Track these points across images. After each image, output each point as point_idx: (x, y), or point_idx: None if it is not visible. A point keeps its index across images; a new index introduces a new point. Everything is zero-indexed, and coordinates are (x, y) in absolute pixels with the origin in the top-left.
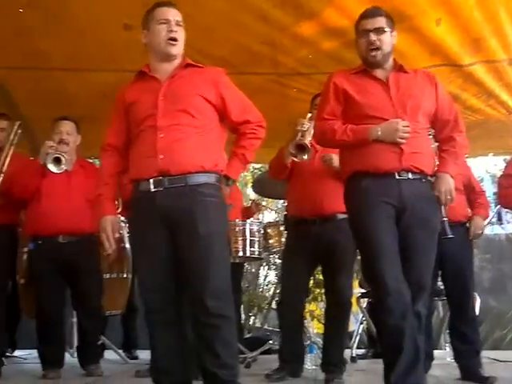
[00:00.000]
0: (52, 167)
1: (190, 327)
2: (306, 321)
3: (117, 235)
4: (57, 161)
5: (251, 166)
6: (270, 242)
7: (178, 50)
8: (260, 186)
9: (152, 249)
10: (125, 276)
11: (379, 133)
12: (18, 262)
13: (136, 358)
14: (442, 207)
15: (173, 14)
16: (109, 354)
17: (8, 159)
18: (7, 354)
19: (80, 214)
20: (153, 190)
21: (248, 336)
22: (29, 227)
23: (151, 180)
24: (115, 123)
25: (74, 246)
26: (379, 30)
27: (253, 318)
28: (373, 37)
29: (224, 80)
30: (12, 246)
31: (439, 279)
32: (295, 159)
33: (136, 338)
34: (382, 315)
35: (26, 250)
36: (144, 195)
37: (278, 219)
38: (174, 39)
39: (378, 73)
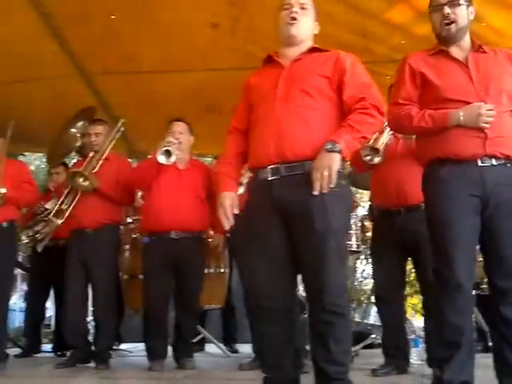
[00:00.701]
0: (161, 158)
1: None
2: (409, 314)
3: (235, 211)
4: (167, 153)
5: None
6: (368, 234)
7: (297, 30)
8: (352, 178)
9: (268, 244)
10: (222, 271)
11: (461, 118)
12: (121, 258)
13: (237, 351)
14: None
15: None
16: (210, 348)
17: (105, 153)
18: (113, 347)
19: (191, 212)
20: (270, 178)
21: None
22: (144, 223)
23: (269, 168)
24: (241, 107)
25: (184, 242)
26: (454, 3)
27: (352, 312)
28: (447, 10)
29: (350, 61)
30: (116, 244)
31: None
32: (370, 162)
33: (236, 331)
34: (444, 310)
35: (127, 247)
36: (261, 184)
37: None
38: (293, 18)
39: (456, 52)
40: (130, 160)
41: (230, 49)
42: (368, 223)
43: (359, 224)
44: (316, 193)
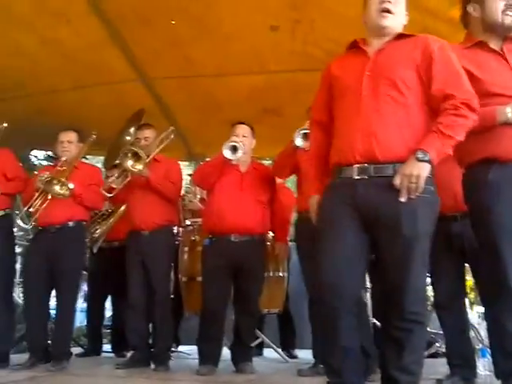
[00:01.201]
0: (227, 152)
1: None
2: (476, 322)
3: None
4: (233, 149)
5: None
6: None
7: (391, 22)
8: None
9: (341, 239)
10: (281, 275)
11: (509, 114)
12: (180, 260)
13: (295, 357)
14: None
15: None
16: (268, 353)
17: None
18: (172, 349)
19: (251, 214)
20: (356, 177)
21: None
22: (205, 225)
23: (355, 166)
24: (321, 97)
25: (244, 245)
26: None
27: None
28: None
29: (438, 48)
30: (173, 245)
31: None
32: None
33: (294, 336)
34: (501, 318)
35: (186, 249)
36: (345, 182)
37: None
38: (387, 10)
39: (495, 44)
40: (188, 163)
41: (289, 51)
42: None
43: None
44: (403, 199)
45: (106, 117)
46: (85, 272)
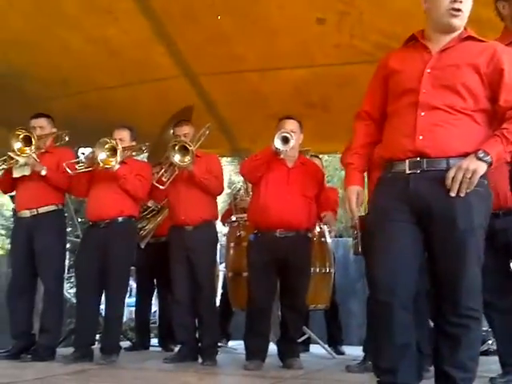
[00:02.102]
0: (277, 142)
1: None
2: None
3: (360, 208)
4: (284, 140)
5: None
6: None
7: (461, 21)
8: None
9: (394, 234)
10: (327, 271)
11: None
12: (226, 256)
13: (342, 353)
14: None
15: None
16: (314, 349)
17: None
18: (220, 344)
19: (297, 210)
20: (408, 171)
21: None
22: (250, 220)
23: (407, 161)
24: (374, 90)
25: (289, 240)
26: None
27: None
28: None
29: (507, 57)
30: (215, 240)
31: None
32: None
33: (341, 333)
34: None
35: (232, 245)
36: (397, 176)
37: None
38: (458, 10)
39: None
40: (232, 158)
41: (336, 44)
42: None
43: None
44: (453, 194)
45: (151, 113)
46: (133, 267)
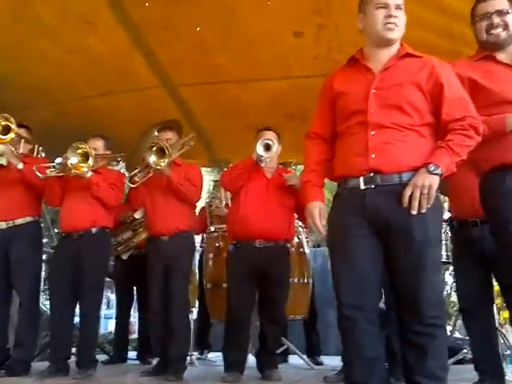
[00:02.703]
0: (260, 148)
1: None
2: (504, 329)
3: (323, 222)
4: (267, 147)
5: None
6: None
7: (397, 34)
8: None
9: (353, 249)
10: (306, 281)
11: None
12: (205, 266)
13: (321, 363)
14: None
15: None
16: (293, 359)
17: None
18: (196, 355)
19: (276, 220)
20: (363, 187)
21: None
22: (229, 230)
23: (361, 178)
24: (321, 112)
25: (269, 251)
26: (502, 12)
27: None
28: (496, 19)
29: (445, 72)
30: (192, 251)
31: None
32: None
33: (319, 343)
34: None
35: (211, 255)
36: (352, 192)
37: None
38: (393, 23)
39: (502, 57)
40: (211, 169)
41: (313, 56)
42: None
43: (448, 234)
44: (414, 212)
45: (131, 123)
46: (109, 279)
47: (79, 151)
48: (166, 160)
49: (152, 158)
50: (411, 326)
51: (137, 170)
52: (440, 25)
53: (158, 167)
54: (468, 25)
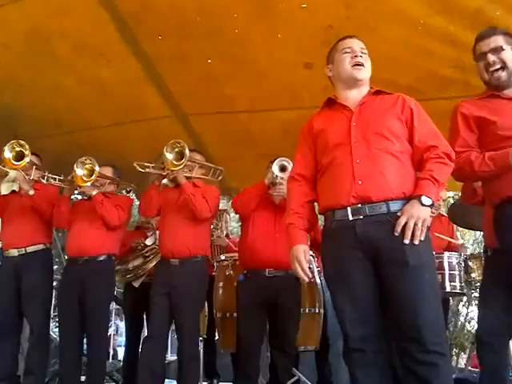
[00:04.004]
0: (275, 168)
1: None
2: None
3: (308, 264)
4: (282, 168)
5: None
6: (472, 275)
7: (364, 74)
8: (453, 214)
9: (351, 282)
10: (317, 311)
11: None
12: (215, 296)
13: None
14: None
15: (356, 43)
16: None
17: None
18: None
19: (285, 249)
20: (351, 218)
21: (454, 377)
22: (239, 258)
23: (349, 208)
24: (303, 153)
25: (279, 280)
26: (497, 49)
27: (455, 357)
28: (491, 57)
29: (414, 104)
30: (204, 277)
31: None
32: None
33: (331, 374)
34: None
35: (221, 284)
36: (341, 224)
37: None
38: (360, 64)
39: (508, 93)
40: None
41: (323, 87)
42: (472, 264)
43: (463, 265)
44: (407, 241)
45: (142, 153)
46: (118, 306)
47: (86, 166)
48: (182, 163)
49: (170, 156)
50: (414, 354)
51: (152, 165)
52: (451, 57)
53: (173, 167)
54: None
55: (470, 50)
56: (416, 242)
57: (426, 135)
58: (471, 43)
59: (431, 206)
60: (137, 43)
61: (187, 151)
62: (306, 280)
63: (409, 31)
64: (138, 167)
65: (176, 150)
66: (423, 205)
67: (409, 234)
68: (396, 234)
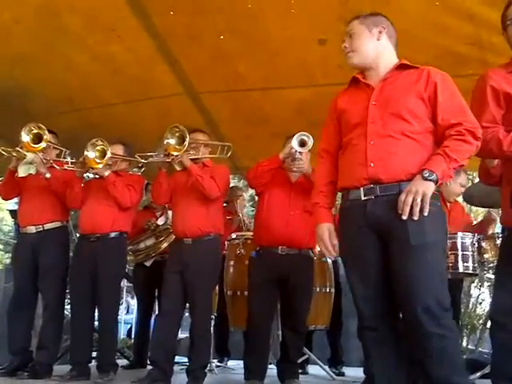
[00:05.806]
0: (295, 143)
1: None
2: None
3: (335, 242)
4: (302, 143)
5: None
6: (485, 256)
7: (355, 59)
8: (469, 194)
9: (363, 260)
10: (328, 290)
11: None
12: (226, 274)
13: (343, 374)
14: None
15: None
16: (314, 370)
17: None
18: (216, 363)
19: (299, 226)
20: (363, 198)
21: (464, 358)
22: (254, 235)
23: (361, 188)
24: (328, 129)
25: (292, 259)
26: None
27: (465, 338)
28: None
29: (440, 78)
30: (215, 255)
31: None
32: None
33: (342, 354)
34: None
35: (232, 263)
36: (354, 204)
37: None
38: (347, 52)
39: None
40: (232, 176)
41: (337, 64)
42: (485, 244)
43: (476, 245)
44: (404, 217)
45: (154, 130)
46: (128, 284)
47: (98, 148)
48: (183, 147)
49: (172, 141)
50: (425, 326)
51: (155, 154)
52: (468, 33)
53: (175, 151)
54: (496, 33)
55: (488, 27)
56: (415, 218)
57: (450, 112)
58: (488, 19)
59: (435, 181)
60: (148, 18)
61: (187, 134)
62: (333, 257)
63: (426, 5)
64: (140, 159)
65: (177, 134)
66: (425, 179)
67: (406, 209)
68: (400, 211)
